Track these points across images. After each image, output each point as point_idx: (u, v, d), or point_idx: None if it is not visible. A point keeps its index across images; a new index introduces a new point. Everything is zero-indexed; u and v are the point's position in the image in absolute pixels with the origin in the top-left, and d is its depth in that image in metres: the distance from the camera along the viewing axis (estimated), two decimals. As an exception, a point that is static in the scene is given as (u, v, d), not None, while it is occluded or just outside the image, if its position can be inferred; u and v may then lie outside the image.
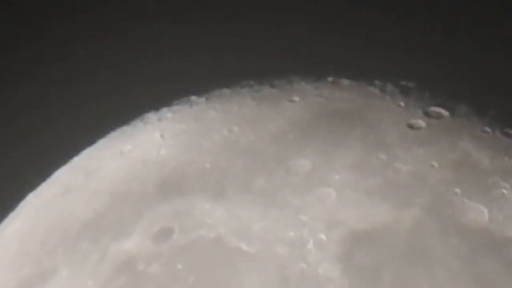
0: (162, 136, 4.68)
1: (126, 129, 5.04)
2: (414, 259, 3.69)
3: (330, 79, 4.79)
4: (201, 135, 4.52)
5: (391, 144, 4.18)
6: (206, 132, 4.53)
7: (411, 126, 4.31)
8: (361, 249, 3.74)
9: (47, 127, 7.29)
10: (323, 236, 3.79)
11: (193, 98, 4.99)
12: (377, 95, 4.60)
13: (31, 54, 7.81)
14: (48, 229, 4.45)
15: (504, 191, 3.94)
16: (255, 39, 6.82)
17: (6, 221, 4.96)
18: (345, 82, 4.75)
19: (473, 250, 3.72)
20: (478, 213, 3.85)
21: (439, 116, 4.41)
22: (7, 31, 7.89)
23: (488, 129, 4.31)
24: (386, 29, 5.88)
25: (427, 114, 4.41)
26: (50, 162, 5.07)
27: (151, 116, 5.02)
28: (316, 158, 4.13)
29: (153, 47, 7.45)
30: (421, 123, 4.34)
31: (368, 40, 5.55)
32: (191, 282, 3.77)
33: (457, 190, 3.93)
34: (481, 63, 4.92)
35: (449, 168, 4.06)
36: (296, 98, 4.65)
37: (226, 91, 4.95)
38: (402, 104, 4.50)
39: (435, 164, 4.06)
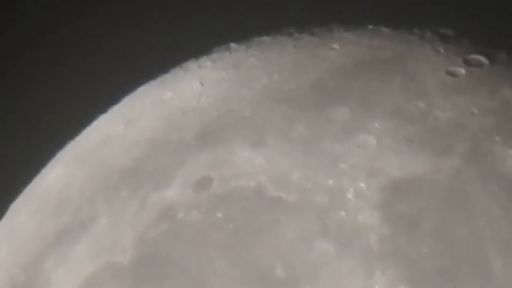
0: (201, 84, 4.67)
1: (166, 77, 5.03)
2: (454, 207, 3.69)
3: (370, 27, 4.75)
4: (241, 83, 4.50)
5: (430, 91, 4.16)
6: (246, 80, 4.51)
7: (450, 74, 4.28)
8: (401, 198, 3.74)
9: (87, 75, 7.32)
10: (362, 185, 3.79)
11: (233, 45, 4.97)
12: (416, 42, 4.56)
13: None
14: (87, 177, 4.48)
15: (545, 139, 3.92)
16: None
17: (46, 169, 4.99)
18: (385, 30, 4.71)
19: (513, 197, 3.72)
20: (519, 161, 3.84)
21: (478, 64, 4.38)
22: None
23: (529, 77, 4.28)
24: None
25: (466, 62, 4.37)
26: (90, 110, 5.08)
27: (191, 64, 5.00)
28: (355, 106, 4.12)
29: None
30: (461, 70, 4.31)
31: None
32: (231, 230, 3.80)
33: (497, 138, 3.91)
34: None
35: (488, 116, 4.03)
36: (336, 46, 4.61)
37: (266, 39, 4.92)
38: (441, 51, 4.46)
39: (475, 111, 4.03)
